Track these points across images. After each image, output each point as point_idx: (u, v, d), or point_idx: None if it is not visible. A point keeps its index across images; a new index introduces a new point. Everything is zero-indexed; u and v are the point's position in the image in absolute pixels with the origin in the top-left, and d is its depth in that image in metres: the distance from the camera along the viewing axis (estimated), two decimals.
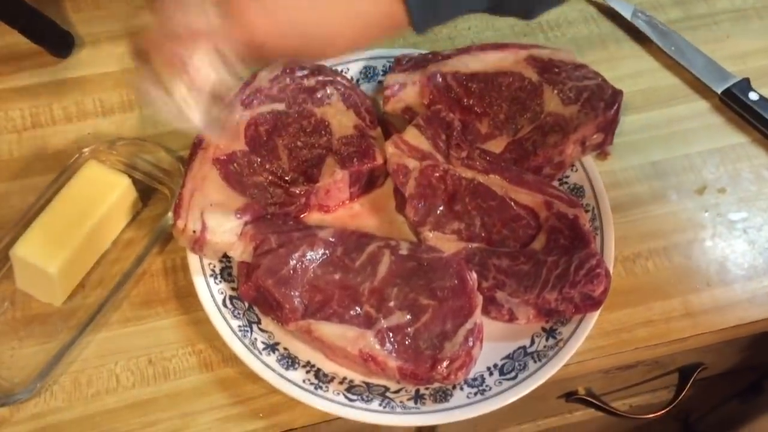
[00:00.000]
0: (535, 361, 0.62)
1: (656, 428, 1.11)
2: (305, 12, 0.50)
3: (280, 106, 0.69)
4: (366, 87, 0.75)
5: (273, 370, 0.61)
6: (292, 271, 0.62)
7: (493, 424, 0.88)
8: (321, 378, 0.61)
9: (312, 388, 0.60)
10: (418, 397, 0.61)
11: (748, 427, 1.22)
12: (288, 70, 0.71)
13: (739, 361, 0.91)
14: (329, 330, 0.60)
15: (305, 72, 0.71)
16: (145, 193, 0.70)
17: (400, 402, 0.60)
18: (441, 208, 0.67)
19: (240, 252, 0.64)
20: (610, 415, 0.85)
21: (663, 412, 0.82)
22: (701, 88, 0.79)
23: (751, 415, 1.17)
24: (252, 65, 0.53)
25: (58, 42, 0.77)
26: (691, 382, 0.82)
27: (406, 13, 0.51)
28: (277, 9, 0.49)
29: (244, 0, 0.49)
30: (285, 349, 0.62)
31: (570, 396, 0.81)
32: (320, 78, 0.71)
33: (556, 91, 0.71)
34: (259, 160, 0.67)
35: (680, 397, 0.82)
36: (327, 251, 0.64)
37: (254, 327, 0.63)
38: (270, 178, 0.67)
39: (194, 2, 0.49)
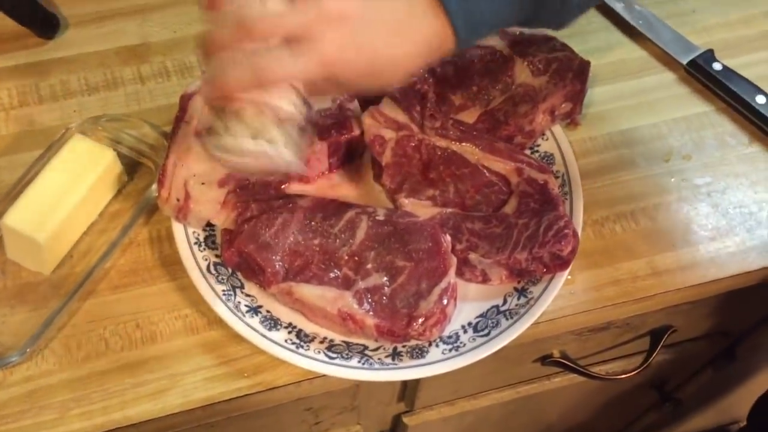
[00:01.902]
0: (507, 319, 0.65)
1: (634, 396, 1.14)
2: (374, 38, 0.52)
3: None
4: None
5: (256, 331, 0.63)
6: (272, 237, 0.65)
7: (473, 389, 0.91)
8: (302, 338, 0.64)
9: (294, 347, 0.63)
10: (395, 354, 0.63)
11: (727, 398, 1.25)
12: None
13: (709, 326, 0.94)
14: (309, 291, 0.63)
15: None
16: (131, 167, 0.72)
17: (379, 359, 0.63)
18: (416, 176, 0.70)
19: (223, 220, 0.66)
20: (588, 379, 0.88)
21: (636, 372, 0.85)
22: (668, 60, 0.82)
23: (727, 385, 1.20)
24: (317, 94, 0.53)
25: (44, 23, 0.79)
26: (661, 344, 0.85)
27: (452, 35, 0.54)
28: (349, 37, 0.51)
29: (317, 32, 0.49)
30: (267, 311, 0.65)
31: (546, 359, 0.84)
32: None
33: (526, 63, 0.74)
34: None
35: (652, 358, 0.85)
36: (307, 218, 0.66)
37: (237, 291, 0.65)
38: None
39: (260, 42, 0.49)
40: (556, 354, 0.84)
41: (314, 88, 0.52)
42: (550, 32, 0.76)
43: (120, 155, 0.70)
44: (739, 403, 1.20)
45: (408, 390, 0.84)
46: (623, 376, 0.87)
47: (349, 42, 0.51)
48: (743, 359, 1.05)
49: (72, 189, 0.66)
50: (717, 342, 1.00)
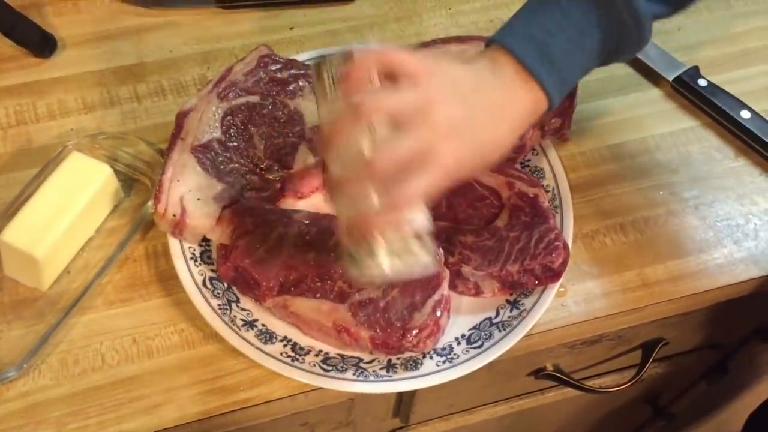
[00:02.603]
0: (500, 331, 0.66)
1: (628, 411, 1.15)
2: (480, 131, 0.54)
3: (255, 98, 0.73)
4: None
5: (252, 344, 0.64)
6: (268, 252, 0.66)
7: (467, 403, 0.91)
8: (298, 351, 0.64)
9: (289, 360, 0.63)
10: (390, 367, 0.64)
11: (721, 413, 1.26)
12: (262, 65, 0.75)
13: (700, 339, 0.95)
14: (304, 304, 0.63)
15: (278, 66, 0.75)
16: (127, 184, 0.73)
17: (373, 371, 0.64)
18: None
19: (218, 235, 0.67)
20: (582, 393, 0.88)
21: (628, 384, 0.86)
22: (654, 77, 0.84)
23: (721, 399, 1.21)
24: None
25: (41, 44, 0.80)
26: (653, 357, 0.86)
27: (546, 98, 0.57)
28: (462, 143, 0.53)
29: (434, 147, 0.51)
30: (263, 325, 0.65)
31: (539, 373, 0.85)
32: (292, 71, 0.75)
33: None
34: (235, 148, 0.71)
35: (644, 371, 0.86)
36: (301, 232, 0.67)
37: (233, 305, 0.66)
38: (246, 165, 0.71)
39: (385, 178, 0.51)
40: (550, 367, 0.84)
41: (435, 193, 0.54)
42: None
43: (116, 172, 0.71)
44: (734, 417, 1.20)
45: (403, 405, 0.85)
46: (616, 389, 0.87)
47: (463, 146, 0.53)
48: (736, 372, 1.05)
49: (69, 205, 0.67)
50: (709, 355, 1.01)
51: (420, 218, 0.54)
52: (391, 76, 0.53)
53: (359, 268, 0.55)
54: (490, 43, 0.58)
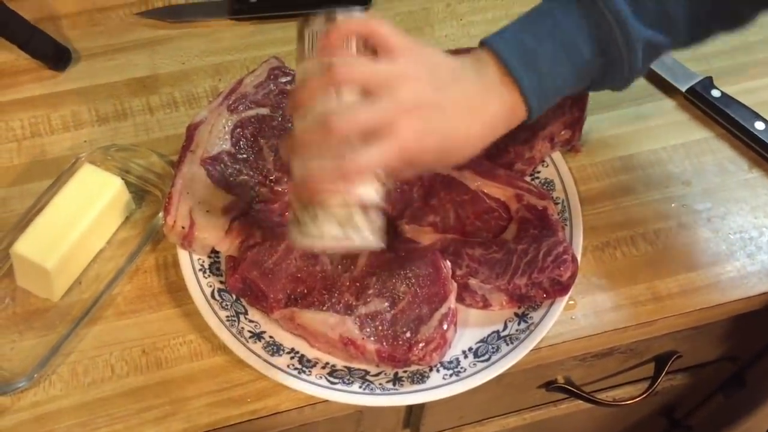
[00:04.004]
0: (507, 344, 0.65)
1: (643, 423, 1.13)
2: (448, 122, 0.54)
3: (265, 111, 0.73)
4: None
5: (259, 356, 0.64)
6: (276, 264, 0.66)
7: (478, 415, 0.91)
8: (304, 363, 0.64)
9: (296, 372, 0.64)
10: (396, 380, 0.64)
11: (739, 426, 1.24)
12: (272, 77, 0.75)
13: (715, 352, 0.94)
14: (311, 317, 0.64)
15: (289, 78, 0.75)
16: (139, 195, 0.74)
17: (380, 384, 0.63)
18: (417, 202, 0.71)
19: (227, 247, 0.68)
20: (593, 405, 0.87)
21: (641, 398, 0.85)
22: (667, 87, 0.83)
23: (739, 413, 1.19)
24: (392, 175, 0.56)
25: (56, 57, 0.82)
26: (666, 369, 0.85)
27: (524, 104, 0.56)
28: (425, 124, 0.53)
29: (395, 122, 0.52)
30: (270, 337, 0.66)
31: (550, 385, 0.84)
32: None
33: None
34: (245, 160, 0.71)
35: (657, 384, 0.85)
36: None
37: (241, 317, 0.66)
38: (255, 177, 0.71)
39: (341, 139, 0.51)
40: (561, 380, 0.84)
41: (391, 171, 0.54)
42: None
43: (128, 184, 0.72)
44: (753, 430, 1.19)
45: (413, 416, 0.84)
46: (629, 402, 0.86)
47: (425, 128, 0.53)
48: (754, 385, 1.04)
49: (80, 217, 0.68)
50: (724, 368, 0.99)
51: (369, 191, 0.53)
52: (370, 48, 0.53)
53: (300, 232, 0.54)
54: (481, 45, 0.58)
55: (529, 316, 0.67)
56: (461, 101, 0.55)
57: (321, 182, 0.52)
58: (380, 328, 0.63)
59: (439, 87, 0.54)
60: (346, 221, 0.53)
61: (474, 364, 0.64)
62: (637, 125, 0.81)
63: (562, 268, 0.65)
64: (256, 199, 0.70)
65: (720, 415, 1.17)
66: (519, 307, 0.67)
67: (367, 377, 0.64)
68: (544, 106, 0.58)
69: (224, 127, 0.72)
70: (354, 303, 0.64)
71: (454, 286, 0.65)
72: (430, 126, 0.53)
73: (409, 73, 0.53)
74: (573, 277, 0.66)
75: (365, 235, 0.54)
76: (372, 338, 0.62)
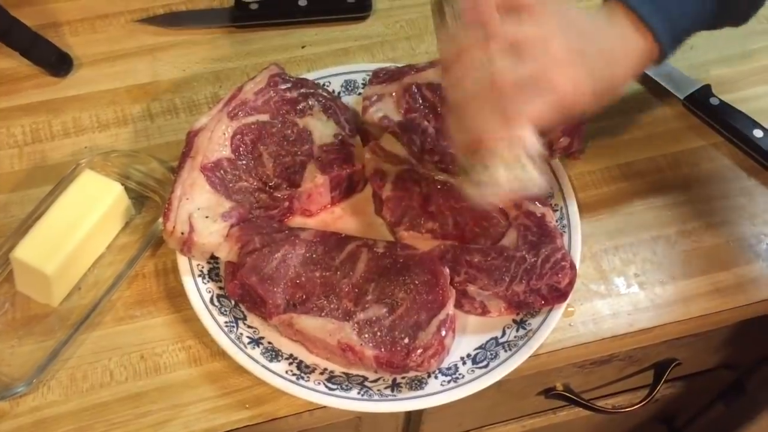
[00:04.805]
0: (505, 351, 0.65)
1: (643, 431, 1.13)
2: (596, 71, 0.57)
3: (265, 117, 0.74)
4: (347, 99, 0.79)
5: (258, 362, 0.64)
6: (274, 269, 0.66)
7: (477, 422, 0.91)
8: (303, 369, 0.64)
9: (294, 378, 0.64)
10: (394, 386, 0.64)
11: None
12: (272, 84, 0.75)
13: (714, 360, 0.94)
14: (310, 322, 0.64)
15: (288, 85, 0.76)
16: (138, 201, 0.74)
17: (378, 390, 0.64)
18: (416, 209, 0.71)
19: (226, 252, 0.68)
20: (593, 413, 0.87)
21: (640, 405, 0.85)
22: (666, 95, 0.83)
23: (740, 421, 1.19)
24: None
25: (57, 63, 0.82)
26: (665, 377, 0.85)
27: (658, 46, 0.59)
28: (579, 76, 0.56)
29: (552, 76, 0.55)
30: (269, 342, 0.66)
31: (549, 392, 0.84)
32: (302, 90, 0.76)
33: None
34: (244, 167, 0.71)
35: (656, 391, 0.85)
36: (308, 250, 0.67)
37: (240, 323, 0.66)
38: (255, 183, 0.71)
39: (504, 95, 0.54)
40: (560, 387, 0.84)
41: (549, 121, 0.57)
42: None
43: (128, 190, 0.72)
44: None
45: (411, 423, 0.84)
46: (628, 409, 0.86)
47: (578, 77, 0.56)
48: (754, 393, 1.04)
49: (80, 222, 0.68)
50: (724, 376, 0.99)
51: (533, 140, 0.56)
52: (510, 11, 0.56)
53: (472, 183, 0.58)
54: None
55: (527, 322, 0.67)
56: (603, 50, 0.58)
57: (490, 132, 0.55)
58: (378, 334, 0.63)
59: (582, 36, 0.57)
60: (515, 167, 0.56)
61: (472, 371, 0.64)
62: (636, 133, 0.81)
63: (560, 275, 0.65)
64: (255, 205, 0.71)
65: (720, 424, 1.17)
66: (517, 314, 0.68)
67: (366, 383, 0.64)
68: (676, 47, 0.61)
69: (224, 134, 0.72)
70: (352, 309, 0.64)
71: (452, 293, 0.65)
72: (582, 74, 0.56)
73: (555, 29, 0.56)
74: (571, 284, 0.66)
75: (535, 178, 0.57)
76: (370, 344, 0.63)
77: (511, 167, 0.56)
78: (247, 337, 0.66)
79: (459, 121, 0.58)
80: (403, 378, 0.64)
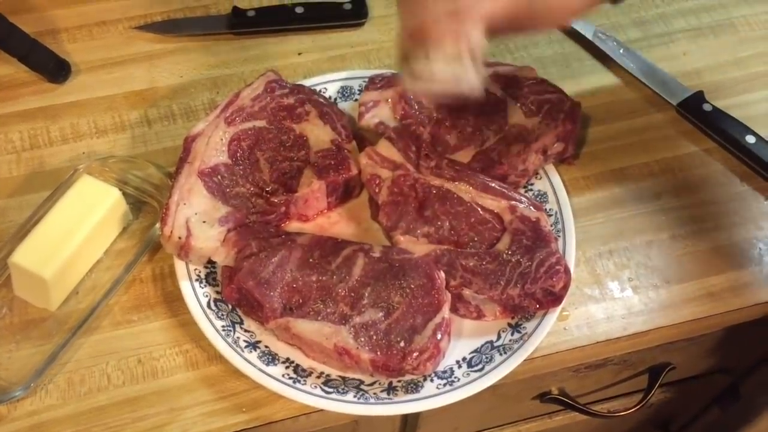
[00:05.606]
0: (501, 354, 0.66)
1: None
2: None
3: (262, 123, 0.74)
4: (343, 105, 0.80)
5: (254, 366, 0.64)
6: (271, 274, 0.66)
7: (473, 426, 0.91)
8: (299, 373, 0.65)
9: (291, 382, 0.64)
10: (390, 389, 0.64)
11: None
12: (269, 90, 0.76)
13: (708, 364, 0.94)
14: (306, 326, 0.64)
15: (285, 91, 0.76)
16: (136, 206, 0.75)
17: (374, 394, 0.64)
18: (412, 214, 0.71)
19: (223, 257, 0.68)
20: (588, 417, 0.88)
21: (635, 409, 0.86)
22: (659, 102, 0.84)
23: (735, 425, 1.20)
24: (494, 36, 0.58)
25: (55, 69, 0.83)
26: (660, 381, 0.85)
27: None
28: None
29: None
30: (266, 346, 0.66)
31: (544, 396, 0.84)
32: (299, 96, 0.76)
33: (518, 105, 0.76)
34: (241, 172, 0.72)
35: (650, 395, 0.85)
36: (305, 255, 0.68)
37: (237, 327, 0.67)
38: (252, 189, 0.72)
39: None
40: (555, 391, 0.84)
41: (496, 29, 0.56)
42: (544, 76, 0.78)
43: (126, 195, 0.73)
44: None
45: (408, 426, 0.85)
46: (624, 413, 0.87)
47: None
48: (749, 398, 1.04)
49: (78, 227, 0.68)
50: (719, 380, 1.00)
51: (479, 38, 0.56)
52: None
53: (411, 73, 0.58)
54: None
55: (522, 326, 0.67)
56: None
57: (436, 27, 0.55)
58: (374, 337, 0.63)
59: None
60: (455, 62, 0.56)
61: (468, 374, 0.65)
62: (630, 139, 0.82)
63: (554, 279, 0.66)
64: (252, 210, 0.71)
65: (716, 428, 1.17)
66: (512, 318, 0.68)
67: (362, 387, 0.64)
68: None
69: (221, 140, 0.72)
70: (349, 313, 0.65)
71: (447, 297, 0.66)
72: None
73: None
74: (566, 288, 0.66)
75: (472, 77, 0.57)
76: (366, 348, 0.63)
77: (450, 62, 0.56)
78: (244, 341, 0.66)
79: (410, 5, 0.58)
80: (399, 381, 0.65)
